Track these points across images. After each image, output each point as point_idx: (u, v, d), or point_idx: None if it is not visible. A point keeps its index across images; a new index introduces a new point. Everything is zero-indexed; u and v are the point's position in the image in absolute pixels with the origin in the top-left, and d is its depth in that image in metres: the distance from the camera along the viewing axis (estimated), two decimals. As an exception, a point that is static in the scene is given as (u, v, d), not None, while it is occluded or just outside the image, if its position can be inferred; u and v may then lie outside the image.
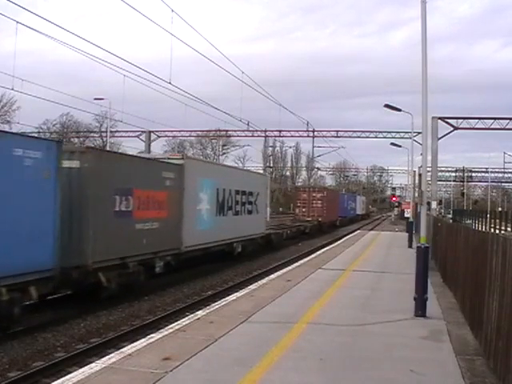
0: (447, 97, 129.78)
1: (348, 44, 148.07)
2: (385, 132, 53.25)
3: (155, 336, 7.89)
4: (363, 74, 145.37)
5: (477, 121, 36.94)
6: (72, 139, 77.74)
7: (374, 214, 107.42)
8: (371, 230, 45.46)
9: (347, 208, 58.81)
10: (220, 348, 7.27)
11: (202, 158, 66.33)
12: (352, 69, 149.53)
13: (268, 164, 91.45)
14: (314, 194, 42.53)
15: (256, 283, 13.35)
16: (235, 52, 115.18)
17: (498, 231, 30.44)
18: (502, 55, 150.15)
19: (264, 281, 13.67)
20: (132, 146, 60.33)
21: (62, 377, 6.34)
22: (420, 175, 30.54)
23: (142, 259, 13.93)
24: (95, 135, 73.87)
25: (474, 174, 78.59)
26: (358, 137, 55.48)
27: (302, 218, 41.09)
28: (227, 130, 54.23)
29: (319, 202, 41.91)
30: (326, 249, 23.77)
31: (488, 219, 41.39)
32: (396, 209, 65.94)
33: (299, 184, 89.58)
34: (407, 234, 27.26)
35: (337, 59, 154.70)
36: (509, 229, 32.84)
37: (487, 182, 78.96)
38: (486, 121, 37.26)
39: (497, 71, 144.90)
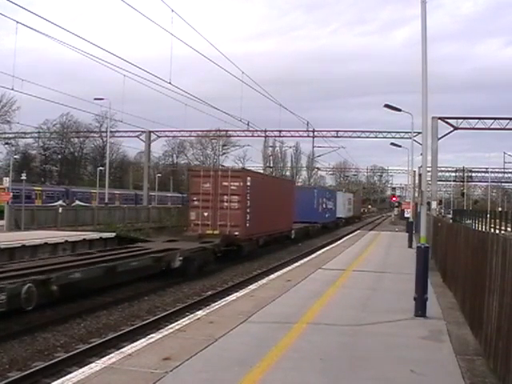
0: (449, 96, 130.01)
1: (349, 42, 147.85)
2: (385, 132, 53.39)
3: (155, 336, 7.88)
4: (364, 73, 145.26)
5: (477, 121, 37.03)
6: (72, 139, 77.99)
7: (373, 214, 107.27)
8: (371, 230, 45.45)
9: (317, 209, 40.18)
10: (220, 348, 7.27)
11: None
12: (353, 68, 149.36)
13: (268, 164, 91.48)
14: (226, 183, 21.95)
15: (256, 283, 13.34)
16: (236, 51, 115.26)
17: (498, 231, 30.43)
18: (505, 54, 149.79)
19: (264, 281, 13.67)
20: (132, 146, 60.52)
21: (62, 377, 6.33)
22: (420, 175, 30.59)
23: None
24: (95, 135, 74.01)
25: (473, 174, 78.66)
26: (358, 137, 55.56)
27: (197, 232, 21.70)
28: (227, 130, 54.31)
29: (236, 198, 22.00)
30: (325, 249, 23.75)
31: (488, 219, 41.38)
32: (396, 209, 65.94)
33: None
34: (407, 234, 27.25)
35: (338, 58, 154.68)
36: (509, 229, 32.83)
37: (487, 182, 78.99)
38: (485, 121, 37.32)
39: (500, 70, 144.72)
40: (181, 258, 16.73)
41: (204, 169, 25.60)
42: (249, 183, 22.35)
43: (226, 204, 22.03)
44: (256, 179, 24.16)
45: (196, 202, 22.36)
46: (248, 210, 22.33)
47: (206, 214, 22.01)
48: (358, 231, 40.20)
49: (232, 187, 21.95)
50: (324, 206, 42.89)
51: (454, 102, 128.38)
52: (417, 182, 43.48)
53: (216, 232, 21.70)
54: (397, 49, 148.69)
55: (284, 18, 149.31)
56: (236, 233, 21.94)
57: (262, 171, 74.16)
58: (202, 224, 21.90)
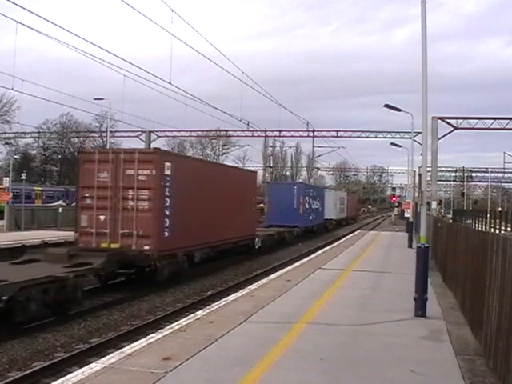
0: (450, 96, 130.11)
1: (350, 42, 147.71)
2: (385, 132, 53.30)
3: (155, 336, 7.89)
4: (365, 72, 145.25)
5: (477, 121, 36.98)
6: (72, 139, 78.01)
7: (373, 214, 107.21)
8: (371, 230, 45.44)
9: (297, 210, 33.57)
10: (220, 348, 7.27)
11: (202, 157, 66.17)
12: (353, 67, 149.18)
13: (268, 164, 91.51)
14: (132, 171, 15.01)
15: (256, 283, 13.34)
16: (236, 50, 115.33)
17: (498, 231, 30.43)
18: (506, 53, 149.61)
19: (264, 281, 13.67)
20: (132, 146, 60.44)
21: (62, 377, 6.34)
22: (420, 175, 30.59)
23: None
24: (95, 135, 73.97)
25: (474, 174, 78.67)
26: (358, 137, 55.48)
27: (91, 245, 14.90)
28: (227, 130, 54.27)
29: (146, 194, 14.91)
30: (326, 249, 23.76)
31: (488, 219, 41.39)
32: (396, 209, 65.97)
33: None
34: (407, 234, 27.26)
35: (339, 57, 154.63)
36: (509, 229, 32.84)
37: (487, 181, 78.98)
38: (486, 121, 37.30)
39: (501, 70, 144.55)
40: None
41: (100, 151, 17.85)
42: (168, 171, 15.13)
43: (131, 203, 14.79)
44: (182, 165, 16.32)
45: (88, 201, 15.13)
46: (167, 212, 15.08)
47: (102, 217, 14.90)
48: (358, 231, 40.15)
49: (140, 177, 14.68)
50: (307, 205, 35.79)
51: (455, 101, 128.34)
52: (417, 182, 43.52)
53: (116, 245, 14.63)
54: (397, 48, 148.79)
55: (284, 17, 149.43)
56: (146, 246, 14.47)
57: (262, 171, 74.42)
58: (96, 233, 14.86)
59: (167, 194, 15.20)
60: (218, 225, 18.85)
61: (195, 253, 17.58)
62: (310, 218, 37.01)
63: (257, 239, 24.28)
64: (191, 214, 16.57)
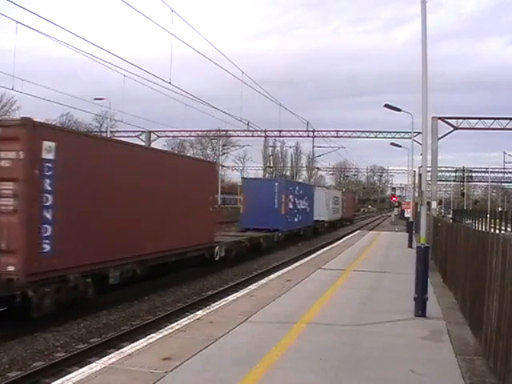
0: (450, 96, 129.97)
1: (351, 41, 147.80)
2: (385, 132, 53.36)
3: (155, 336, 7.89)
4: (365, 72, 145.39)
5: (477, 121, 37.00)
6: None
7: (373, 214, 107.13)
8: (371, 230, 45.43)
9: (279, 211, 28.79)
10: (220, 348, 7.27)
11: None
12: (354, 67, 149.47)
13: (268, 164, 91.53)
14: None
15: (256, 283, 13.34)
16: (236, 50, 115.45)
17: (497, 231, 30.44)
18: (507, 53, 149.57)
19: (264, 281, 13.67)
20: (132, 146, 60.45)
21: (62, 377, 6.34)
22: (420, 175, 30.57)
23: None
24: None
25: (474, 174, 78.66)
26: (358, 137, 55.52)
27: None
28: (227, 130, 54.29)
29: (9, 187, 9.79)
30: (326, 249, 23.75)
31: (488, 219, 41.39)
32: (396, 209, 66.00)
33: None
34: (407, 234, 27.26)
35: (339, 57, 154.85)
36: (509, 229, 32.84)
37: (487, 182, 78.98)
38: (486, 121, 37.31)
39: (502, 69, 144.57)
40: None
41: None
42: (49, 154, 10.46)
43: None
44: (77, 146, 11.41)
45: None
46: (48, 215, 10.40)
47: None
48: (358, 231, 40.16)
49: (2, 163, 10.00)
50: (291, 205, 31.08)
51: (455, 101, 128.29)
52: (417, 182, 43.50)
53: None
54: (398, 48, 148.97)
55: (285, 16, 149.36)
56: (10, 267, 9.78)
57: (262, 171, 74.34)
58: None
59: (47, 188, 10.36)
60: (149, 231, 14.04)
61: (110, 271, 12.49)
62: (295, 219, 32.12)
63: (217, 248, 19.11)
64: (98, 216, 11.90)
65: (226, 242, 20.51)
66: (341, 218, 51.93)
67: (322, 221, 40.94)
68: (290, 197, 31.01)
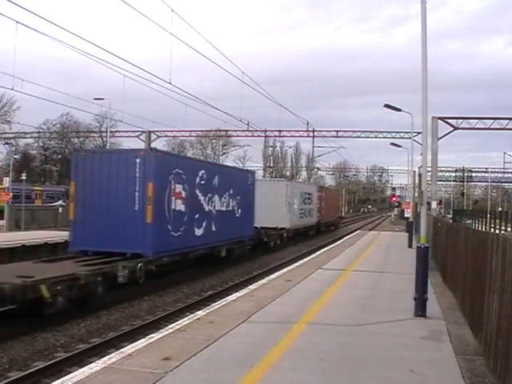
0: (452, 95, 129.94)
1: (352, 40, 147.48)
2: (385, 132, 53.33)
3: (155, 336, 7.89)
4: (366, 71, 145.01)
5: (477, 121, 37.00)
6: (72, 139, 78.03)
7: (372, 214, 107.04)
8: (371, 229, 45.42)
9: (142, 217, 14.07)
10: (220, 348, 7.27)
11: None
12: (355, 66, 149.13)
13: (268, 164, 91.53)
14: None
15: (256, 283, 13.35)
16: (237, 50, 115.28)
17: (498, 231, 30.43)
18: (509, 52, 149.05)
19: (264, 281, 13.67)
20: (132, 146, 60.36)
21: (62, 377, 6.34)
22: (420, 175, 30.57)
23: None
24: (95, 135, 73.96)
25: (474, 174, 78.65)
26: (358, 137, 55.46)
27: None
28: (227, 130, 54.29)
29: None
30: (325, 249, 23.76)
31: (488, 219, 41.37)
32: (396, 209, 65.99)
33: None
34: (407, 234, 27.27)
35: (340, 56, 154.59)
36: (509, 229, 32.82)
37: (487, 182, 78.98)
38: (485, 121, 37.31)
39: (504, 69, 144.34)
40: None
41: None
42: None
43: None
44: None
45: None
46: None
47: None
48: (358, 231, 40.08)
49: None
50: (184, 204, 16.41)
51: (456, 100, 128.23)
52: (417, 182, 43.50)
53: None
54: (399, 47, 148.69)
55: (286, 14, 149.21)
56: None
57: (262, 171, 74.26)
58: None
59: None
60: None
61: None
62: (199, 231, 17.71)
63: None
64: None
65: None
66: (317, 223, 39.10)
67: (278, 228, 28.74)
68: (183, 187, 16.37)
